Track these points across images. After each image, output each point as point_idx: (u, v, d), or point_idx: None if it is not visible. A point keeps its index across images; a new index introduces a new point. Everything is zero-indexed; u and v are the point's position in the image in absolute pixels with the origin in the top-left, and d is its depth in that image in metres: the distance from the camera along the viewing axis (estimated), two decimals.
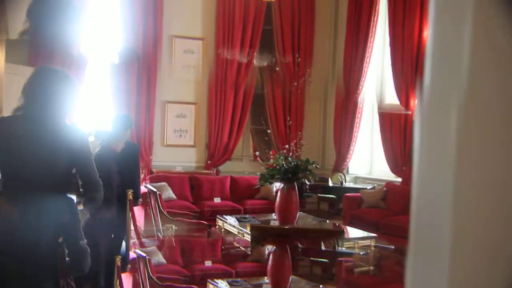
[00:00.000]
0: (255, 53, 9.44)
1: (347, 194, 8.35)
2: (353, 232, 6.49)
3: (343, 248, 8.11)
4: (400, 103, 8.14)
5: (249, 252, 6.66)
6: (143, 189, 8.21)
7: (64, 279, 2.74)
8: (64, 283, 2.75)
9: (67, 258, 2.75)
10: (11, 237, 2.58)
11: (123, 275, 5.05)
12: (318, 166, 6.40)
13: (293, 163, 6.24)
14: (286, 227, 5.89)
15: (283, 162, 6.36)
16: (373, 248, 6.15)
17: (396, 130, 8.30)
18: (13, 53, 6.95)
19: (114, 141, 5.81)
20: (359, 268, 6.17)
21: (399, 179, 8.42)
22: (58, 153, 2.66)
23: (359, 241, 6.07)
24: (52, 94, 2.70)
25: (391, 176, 8.68)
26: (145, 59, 8.71)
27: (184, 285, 4.24)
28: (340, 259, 7.06)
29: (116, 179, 5.54)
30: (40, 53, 7.91)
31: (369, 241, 6.16)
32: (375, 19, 8.85)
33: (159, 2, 8.79)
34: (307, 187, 6.58)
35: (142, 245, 6.35)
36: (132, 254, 6.17)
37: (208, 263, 6.91)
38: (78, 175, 2.77)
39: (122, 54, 8.55)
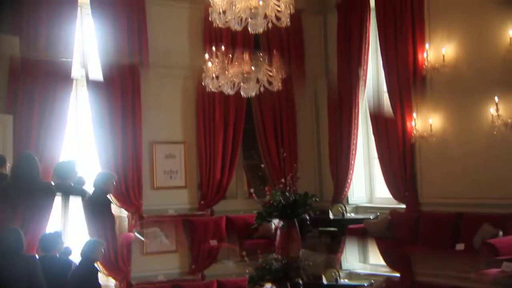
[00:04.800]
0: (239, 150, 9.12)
1: (351, 226, 7.92)
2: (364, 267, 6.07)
3: (345, 281, 7.72)
4: (400, 128, 7.82)
5: None
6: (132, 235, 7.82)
7: None
8: None
9: None
10: None
11: None
12: (318, 200, 6.03)
13: (291, 198, 5.88)
14: None
15: (280, 198, 5.98)
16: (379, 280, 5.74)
17: (395, 155, 7.93)
18: None
19: None
20: None
21: (402, 206, 8.01)
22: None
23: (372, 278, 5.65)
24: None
25: (393, 203, 8.28)
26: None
27: None
28: None
29: None
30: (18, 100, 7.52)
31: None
32: (366, 46, 8.62)
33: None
34: (309, 222, 6.19)
35: None
36: None
37: None
38: None
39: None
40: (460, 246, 6.34)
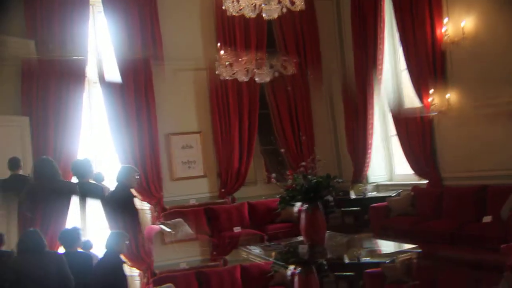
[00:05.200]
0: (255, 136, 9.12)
1: (373, 205, 7.87)
2: (388, 245, 6.04)
3: (368, 259, 7.69)
4: (419, 101, 7.67)
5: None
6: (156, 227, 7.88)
7: None
8: None
9: None
10: None
11: None
12: (340, 181, 5.98)
13: (313, 181, 5.84)
14: None
15: (303, 182, 5.94)
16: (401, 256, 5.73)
17: (414, 130, 7.85)
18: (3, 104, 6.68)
19: None
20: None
21: (424, 181, 7.93)
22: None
23: (400, 256, 5.63)
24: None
25: (414, 179, 8.20)
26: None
27: None
28: (367, 270, 6.67)
29: None
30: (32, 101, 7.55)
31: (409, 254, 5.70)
32: (382, 25, 8.45)
33: None
34: (333, 204, 6.15)
35: None
36: None
37: None
38: None
39: None
40: (487, 219, 6.26)
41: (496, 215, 6.19)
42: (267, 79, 6.37)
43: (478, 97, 6.97)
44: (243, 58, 6.08)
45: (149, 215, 8.21)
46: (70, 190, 6.49)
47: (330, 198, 6.04)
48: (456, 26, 7.13)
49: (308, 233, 5.75)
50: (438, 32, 7.36)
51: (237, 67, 6.09)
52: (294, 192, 5.83)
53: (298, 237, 6.34)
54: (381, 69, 8.51)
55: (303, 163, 6.62)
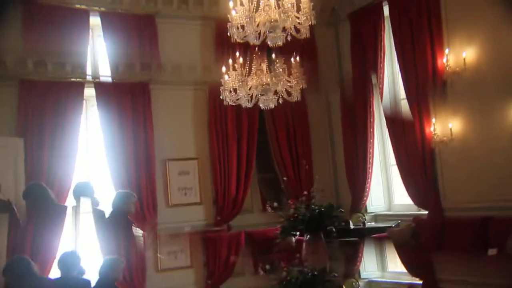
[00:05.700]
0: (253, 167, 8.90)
1: (373, 236, 7.73)
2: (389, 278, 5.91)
3: None
4: (418, 133, 7.63)
5: None
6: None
7: None
8: None
9: None
10: None
11: None
12: (343, 211, 5.88)
13: (316, 211, 5.74)
14: None
15: (305, 211, 5.85)
16: None
17: (415, 160, 7.75)
18: None
19: None
20: None
21: (423, 212, 7.80)
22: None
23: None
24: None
25: (413, 210, 8.09)
26: None
27: None
28: None
29: None
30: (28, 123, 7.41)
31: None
32: (382, 54, 8.42)
33: None
34: (335, 234, 6.04)
35: None
36: None
37: None
38: None
39: None
40: (492, 252, 6.15)
41: (501, 247, 6.09)
42: (272, 105, 6.27)
43: (479, 126, 6.95)
44: (248, 83, 5.98)
45: (142, 241, 8.00)
46: (62, 214, 6.36)
47: (332, 228, 5.96)
48: (458, 56, 7.13)
49: (310, 262, 5.63)
50: (439, 62, 7.35)
51: (242, 92, 5.99)
52: (296, 222, 5.73)
53: (297, 267, 6.20)
54: (381, 98, 8.44)
55: (305, 193, 6.53)
